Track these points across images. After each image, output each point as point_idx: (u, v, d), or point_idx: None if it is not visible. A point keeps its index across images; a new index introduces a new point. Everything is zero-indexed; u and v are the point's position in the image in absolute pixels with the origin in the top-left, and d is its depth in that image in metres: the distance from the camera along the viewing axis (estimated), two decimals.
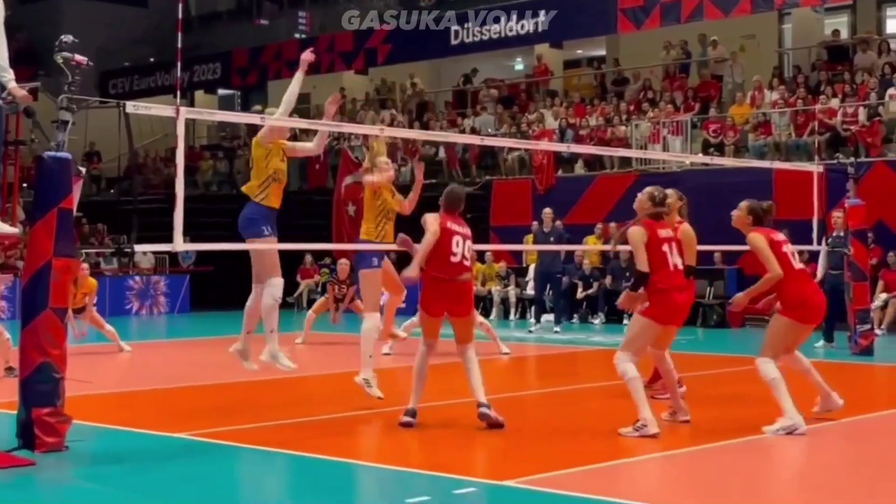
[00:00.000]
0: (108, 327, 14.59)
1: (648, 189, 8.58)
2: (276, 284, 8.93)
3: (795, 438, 7.94)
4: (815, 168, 14.88)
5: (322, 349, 15.14)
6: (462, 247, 8.36)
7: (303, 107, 31.58)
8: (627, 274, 19.68)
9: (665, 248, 8.15)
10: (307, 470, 7.06)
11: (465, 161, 24.98)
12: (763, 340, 8.50)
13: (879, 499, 6.31)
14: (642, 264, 8.04)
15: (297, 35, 32.54)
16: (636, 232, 8.14)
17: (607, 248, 19.34)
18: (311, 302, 24.42)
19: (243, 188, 9.18)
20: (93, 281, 14.74)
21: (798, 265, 8.55)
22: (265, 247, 8.92)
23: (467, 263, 8.42)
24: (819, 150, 19.78)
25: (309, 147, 9.78)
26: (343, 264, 16.66)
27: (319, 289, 24.14)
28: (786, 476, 7.20)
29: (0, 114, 7.31)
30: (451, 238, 8.32)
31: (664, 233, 8.25)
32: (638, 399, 7.92)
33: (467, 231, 8.52)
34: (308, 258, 23.96)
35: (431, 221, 8.33)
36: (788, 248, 8.55)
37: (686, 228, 9.36)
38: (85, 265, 14.76)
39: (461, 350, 8.49)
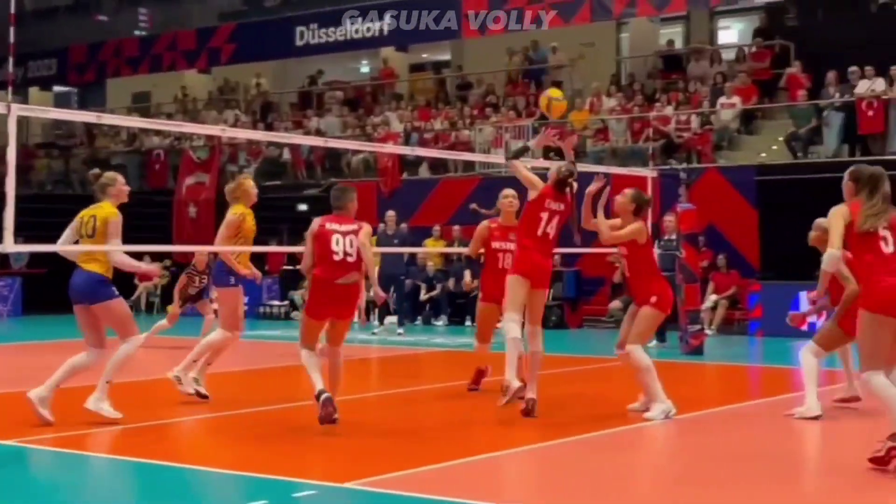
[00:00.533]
0: None
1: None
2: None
3: (634, 435, 8.17)
4: (649, 173, 15.40)
5: (165, 352, 14.85)
6: (342, 244, 8.29)
7: (143, 105, 30.99)
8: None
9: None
10: (142, 476, 6.93)
11: (310, 163, 24.87)
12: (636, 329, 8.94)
13: (724, 486, 6.56)
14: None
15: (137, 32, 31.84)
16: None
17: (450, 250, 19.59)
18: (150, 305, 23.97)
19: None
20: None
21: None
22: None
23: (350, 260, 8.31)
24: (653, 156, 20.43)
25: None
26: (201, 254, 15.62)
27: (158, 291, 23.68)
28: (629, 470, 7.40)
29: None
30: (329, 238, 8.29)
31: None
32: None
33: (350, 227, 8.43)
34: (146, 260, 23.44)
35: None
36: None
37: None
38: None
39: (334, 351, 8.53)
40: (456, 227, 19.99)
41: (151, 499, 6.38)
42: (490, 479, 6.83)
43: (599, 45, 25.11)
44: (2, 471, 7.04)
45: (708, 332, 16.91)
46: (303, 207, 24.41)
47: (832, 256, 7.09)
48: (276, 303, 22.74)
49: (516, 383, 8.68)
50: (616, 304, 19.28)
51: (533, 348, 8.91)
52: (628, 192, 9.45)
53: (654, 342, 15.69)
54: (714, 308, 18.26)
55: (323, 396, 8.03)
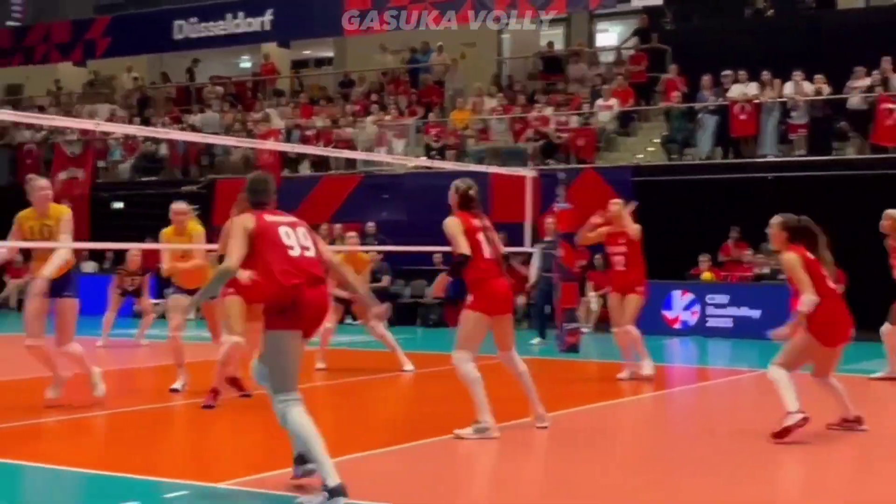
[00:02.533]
0: None
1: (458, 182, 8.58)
2: None
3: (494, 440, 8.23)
4: (528, 173, 15.56)
5: None
6: (295, 237, 6.30)
7: (15, 98, 30.12)
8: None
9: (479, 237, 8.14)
10: (11, 477, 6.74)
11: (187, 159, 24.51)
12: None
13: (604, 484, 6.67)
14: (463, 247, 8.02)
15: (10, 22, 30.94)
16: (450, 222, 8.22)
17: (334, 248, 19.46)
18: (20, 302, 23.30)
19: None
20: None
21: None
22: None
23: (309, 255, 6.26)
24: (533, 156, 20.67)
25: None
26: (134, 255, 15.79)
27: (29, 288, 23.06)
28: (483, 476, 7.46)
29: None
30: (276, 230, 6.26)
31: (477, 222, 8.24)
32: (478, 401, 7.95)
33: (293, 219, 6.49)
34: (18, 257, 22.80)
35: (237, 224, 6.29)
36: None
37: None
38: None
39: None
40: (337, 226, 19.91)
41: (21, 500, 6.21)
42: (358, 478, 6.81)
43: (480, 46, 25.29)
44: None
45: (585, 329, 17.17)
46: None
47: (811, 301, 7.83)
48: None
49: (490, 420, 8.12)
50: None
51: (519, 369, 8.32)
52: (618, 201, 11.86)
53: (537, 339, 15.92)
54: (594, 307, 18.54)
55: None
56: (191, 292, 9.86)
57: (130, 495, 6.18)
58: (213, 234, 22.50)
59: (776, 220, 8.22)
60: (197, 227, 10.26)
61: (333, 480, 5.78)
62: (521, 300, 19.02)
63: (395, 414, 9.81)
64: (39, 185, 9.21)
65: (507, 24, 25.37)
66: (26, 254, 10.61)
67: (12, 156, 26.86)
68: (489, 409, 7.94)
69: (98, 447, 7.96)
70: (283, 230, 6.25)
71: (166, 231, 10.37)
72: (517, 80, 23.63)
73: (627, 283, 11.48)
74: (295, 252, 6.17)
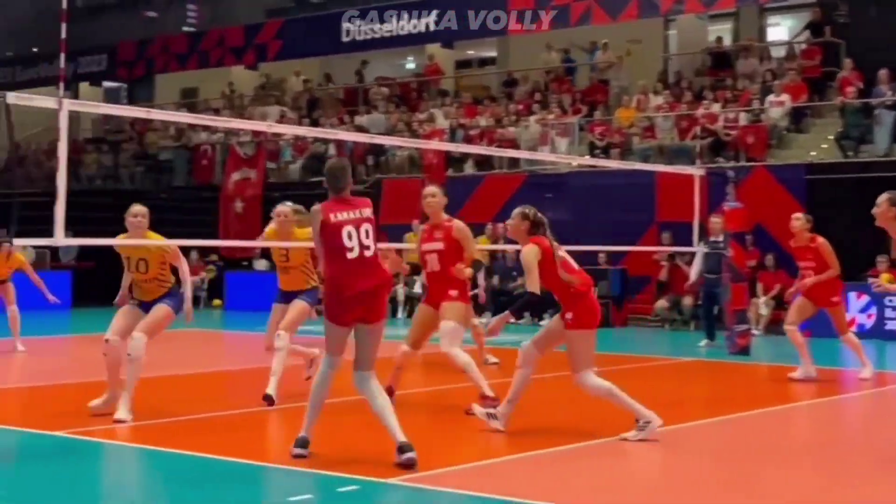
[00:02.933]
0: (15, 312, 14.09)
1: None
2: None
3: (676, 436, 8.10)
4: (696, 171, 15.28)
5: (200, 347, 14.98)
6: (357, 237, 6.90)
7: (191, 101, 31.21)
8: (514, 273, 19.92)
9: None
10: (188, 468, 6.97)
11: (353, 159, 24.95)
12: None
13: (761, 487, 6.51)
14: (535, 285, 7.66)
15: (185, 28, 32.09)
16: (529, 251, 7.72)
17: (495, 247, 19.54)
18: (196, 299, 24.14)
19: None
20: (20, 257, 13.82)
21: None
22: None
23: (368, 254, 6.90)
24: (701, 154, 20.28)
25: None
26: None
27: (205, 286, 23.86)
28: (674, 471, 7.35)
29: None
30: (340, 230, 6.89)
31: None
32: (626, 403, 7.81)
33: (363, 214, 7.05)
34: (193, 254, 23.66)
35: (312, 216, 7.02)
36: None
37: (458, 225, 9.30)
38: (7, 245, 14.04)
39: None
40: (500, 225, 19.94)
41: (195, 492, 6.42)
42: (533, 477, 6.80)
43: (646, 43, 24.95)
44: (46, 462, 7.12)
45: (755, 332, 16.77)
46: None
47: None
48: None
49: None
50: (662, 302, 19.20)
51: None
52: (800, 216, 11.83)
53: (705, 341, 15.61)
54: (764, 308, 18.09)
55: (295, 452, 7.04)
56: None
57: (304, 489, 6.32)
58: (380, 234, 22.90)
59: None
60: (303, 232, 9.84)
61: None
62: (688, 301, 18.72)
63: (560, 416, 9.75)
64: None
65: (674, 21, 25.01)
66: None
67: (189, 157, 27.89)
68: (639, 404, 7.81)
69: (272, 441, 8.16)
70: (346, 230, 6.87)
71: (268, 231, 10.12)
72: (684, 77, 23.22)
73: (820, 296, 11.68)
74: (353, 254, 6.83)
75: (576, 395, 8.35)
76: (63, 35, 8.85)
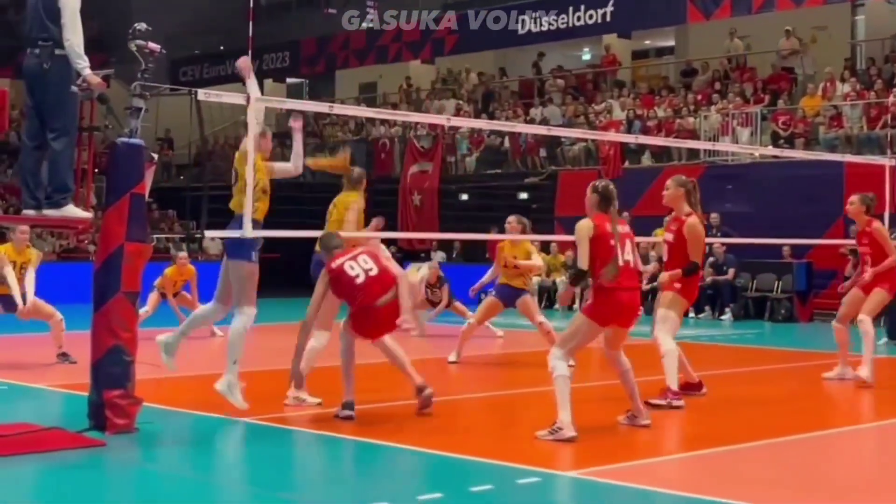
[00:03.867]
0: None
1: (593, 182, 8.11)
2: (250, 315, 8.45)
3: (866, 435, 7.81)
4: (887, 161, 14.65)
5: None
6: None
7: (370, 95, 31.77)
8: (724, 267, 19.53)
9: (613, 242, 7.58)
10: (371, 456, 7.10)
11: (527, 152, 24.97)
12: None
13: None
14: (583, 260, 7.57)
15: (365, 24, 32.67)
16: (583, 225, 7.67)
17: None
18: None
19: (231, 204, 8.59)
20: (192, 268, 15.06)
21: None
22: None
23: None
24: (891, 143, 19.46)
25: (287, 168, 9.30)
26: (432, 268, 16.24)
27: None
28: (861, 472, 7.10)
29: (75, 100, 7.44)
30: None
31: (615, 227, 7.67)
32: (560, 399, 7.41)
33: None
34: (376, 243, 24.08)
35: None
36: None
37: (691, 223, 9.16)
38: (184, 254, 15.06)
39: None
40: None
41: (377, 479, 6.53)
42: (717, 474, 6.66)
43: (832, 29, 24.10)
44: (240, 446, 7.36)
45: None
46: (523, 196, 24.48)
47: None
48: None
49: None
50: None
51: (623, 367, 8.00)
52: (855, 198, 10.92)
53: (884, 339, 14.97)
54: None
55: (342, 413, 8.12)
56: None
57: (484, 479, 6.35)
58: (555, 226, 22.76)
59: None
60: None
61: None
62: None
63: (752, 411, 9.52)
64: None
65: (862, 5, 24.07)
66: None
67: (369, 150, 28.41)
68: (569, 408, 7.36)
69: (454, 431, 8.23)
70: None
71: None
72: (874, 64, 22.32)
73: (871, 281, 10.57)
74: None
75: (746, 395, 8.15)
76: (250, 33, 9.11)
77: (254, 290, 8.53)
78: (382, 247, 10.08)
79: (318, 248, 8.81)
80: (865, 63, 22.81)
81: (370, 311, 8.09)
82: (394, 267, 8.43)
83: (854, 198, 10.96)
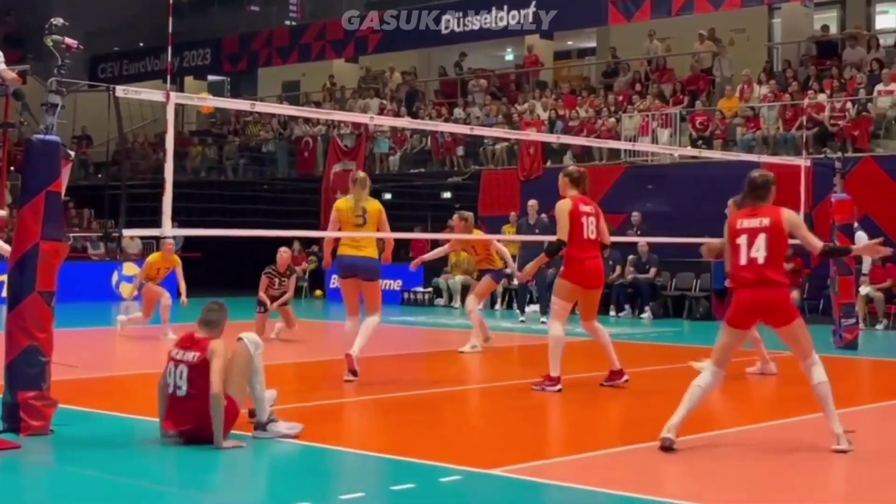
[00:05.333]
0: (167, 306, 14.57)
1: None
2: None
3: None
4: (802, 162, 14.95)
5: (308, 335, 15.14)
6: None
7: (293, 94, 31.60)
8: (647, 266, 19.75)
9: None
10: (293, 456, 7.07)
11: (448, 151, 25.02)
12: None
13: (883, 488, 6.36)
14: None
15: (287, 22, 32.50)
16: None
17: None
18: (299, 289, 24.43)
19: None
20: (176, 257, 14.82)
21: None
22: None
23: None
24: (807, 144, 19.84)
25: None
26: (283, 252, 14.35)
27: (307, 276, 24.15)
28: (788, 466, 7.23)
29: None
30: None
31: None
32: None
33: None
34: (296, 245, 23.96)
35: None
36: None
37: (559, 203, 10.13)
38: (170, 241, 14.56)
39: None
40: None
41: (299, 478, 6.50)
42: (635, 470, 6.74)
43: (750, 32, 24.52)
44: (158, 449, 7.28)
45: (862, 326, 16.38)
46: (446, 195, 24.54)
47: None
48: (420, 289, 22.90)
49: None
50: (794, 295, 18.84)
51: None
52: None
53: None
54: (869, 301, 17.66)
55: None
56: None
57: (407, 478, 6.35)
58: (481, 225, 22.84)
59: None
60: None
61: None
62: (794, 294, 18.35)
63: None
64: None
65: (779, 9, 24.52)
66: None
67: (291, 148, 28.25)
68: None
69: (376, 430, 8.22)
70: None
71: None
72: (789, 66, 22.76)
73: None
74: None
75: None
76: (170, 29, 9.00)
77: None
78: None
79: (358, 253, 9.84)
80: (782, 65, 23.24)
81: None
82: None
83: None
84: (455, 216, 13.38)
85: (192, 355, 7.07)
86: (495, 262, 13.49)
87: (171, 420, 7.07)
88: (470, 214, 13.56)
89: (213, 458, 6.99)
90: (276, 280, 13.92)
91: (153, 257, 14.96)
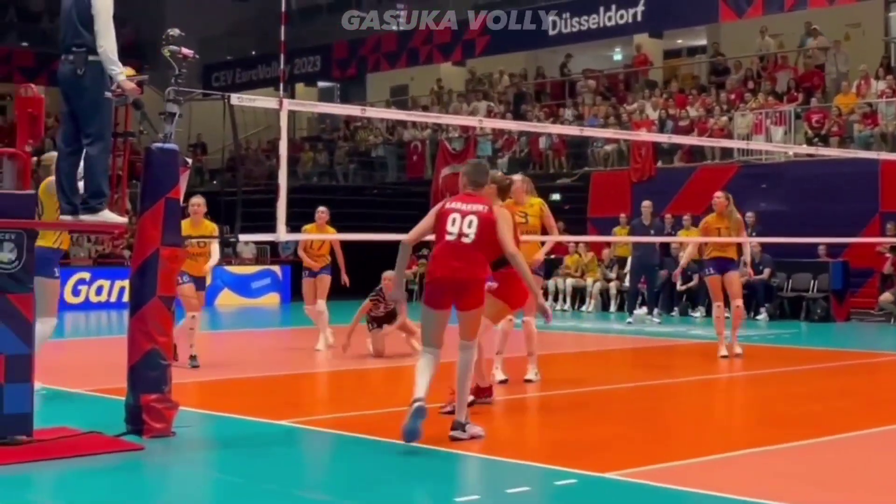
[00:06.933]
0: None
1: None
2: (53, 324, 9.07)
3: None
4: None
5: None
6: (460, 224, 7.43)
7: (401, 98, 31.80)
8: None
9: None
10: (407, 458, 7.09)
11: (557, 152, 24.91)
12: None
13: None
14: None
15: (395, 27, 32.71)
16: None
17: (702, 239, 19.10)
18: (409, 293, 24.54)
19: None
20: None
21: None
22: None
23: (466, 241, 7.36)
24: None
25: None
26: (387, 278, 12.62)
27: (417, 279, 24.26)
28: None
29: (109, 106, 7.48)
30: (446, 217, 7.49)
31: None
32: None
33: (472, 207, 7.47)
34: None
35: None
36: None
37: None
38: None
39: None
40: None
41: (414, 481, 6.51)
42: (750, 475, 6.61)
43: (865, 26, 23.89)
44: (277, 449, 7.37)
45: None
46: (555, 197, 24.43)
47: None
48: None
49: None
50: (887, 296, 18.37)
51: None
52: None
53: None
54: None
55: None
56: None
57: (522, 481, 6.32)
58: (588, 227, 22.70)
59: None
60: None
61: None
62: None
63: (775, 411, 9.45)
64: None
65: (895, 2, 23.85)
66: None
67: (400, 153, 28.44)
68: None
69: (489, 432, 8.21)
70: (452, 216, 7.43)
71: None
72: None
73: None
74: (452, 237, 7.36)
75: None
76: (282, 37, 9.12)
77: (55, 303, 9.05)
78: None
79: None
80: None
81: None
82: None
83: None
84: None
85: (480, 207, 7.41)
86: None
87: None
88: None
89: (332, 459, 7.07)
90: (382, 305, 12.92)
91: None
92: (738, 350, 12.61)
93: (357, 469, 6.83)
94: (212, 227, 11.55)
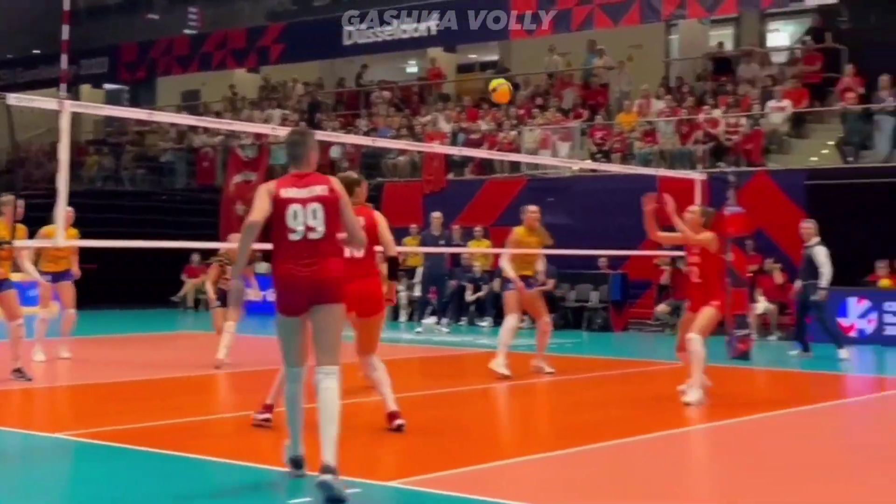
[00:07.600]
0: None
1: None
2: None
3: (671, 440, 8.08)
4: (697, 176, 15.30)
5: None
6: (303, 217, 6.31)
7: (193, 103, 31.23)
8: None
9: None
10: (190, 471, 6.97)
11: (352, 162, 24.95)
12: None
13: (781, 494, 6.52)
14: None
15: (187, 31, 32.11)
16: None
17: (492, 251, 19.55)
18: (197, 301, 24.11)
19: None
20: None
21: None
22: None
23: (315, 237, 6.30)
24: (702, 158, 20.30)
25: None
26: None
27: (206, 287, 23.86)
28: (660, 475, 7.35)
29: None
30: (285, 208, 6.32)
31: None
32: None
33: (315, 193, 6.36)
34: (195, 257, 23.67)
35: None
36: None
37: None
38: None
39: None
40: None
41: (196, 497, 6.41)
42: (530, 481, 6.81)
43: (648, 48, 24.97)
44: (49, 464, 7.12)
45: (755, 336, 16.76)
46: None
47: None
48: None
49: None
50: (663, 307, 19.20)
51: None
52: (696, 208, 10.63)
53: (797, 351, 15.33)
54: (763, 313, 18.10)
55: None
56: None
57: (303, 492, 6.31)
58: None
59: None
60: None
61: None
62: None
63: (555, 419, 9.75)
64: None
65: (676, 25, 25.01)
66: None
67: (190, 159, 27.90)
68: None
69: (272, 443, 8.15)
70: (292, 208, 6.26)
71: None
72: (685, 82, 23.25)
73: (699, 296, 10.20)
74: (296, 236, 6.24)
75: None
76: (65, 36, 8.84)
77: None
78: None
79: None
80: (678, 81, 23.71)
81: None
82: None
83: (695, 208, 10.85)
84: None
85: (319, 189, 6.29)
86: None
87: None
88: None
89: (102, 472, 6.89)
90: (230, 269, 11.92)
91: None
92: (548, 369, 12.36)
93: (131, 484, 6.67)
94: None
